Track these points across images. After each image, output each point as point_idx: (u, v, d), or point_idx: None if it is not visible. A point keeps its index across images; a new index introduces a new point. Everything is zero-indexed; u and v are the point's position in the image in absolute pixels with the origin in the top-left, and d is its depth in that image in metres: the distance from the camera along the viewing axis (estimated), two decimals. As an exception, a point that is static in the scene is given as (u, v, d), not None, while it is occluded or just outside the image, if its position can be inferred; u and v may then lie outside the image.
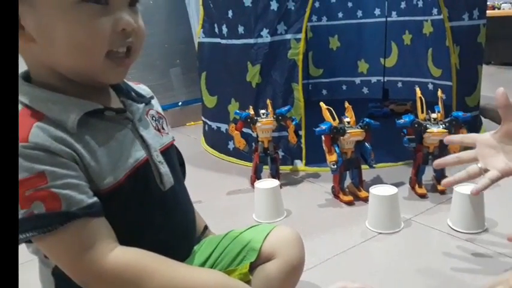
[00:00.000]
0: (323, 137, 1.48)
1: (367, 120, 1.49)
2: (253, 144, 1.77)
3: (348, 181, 1.57)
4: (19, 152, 0.51)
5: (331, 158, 1.45)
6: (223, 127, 2.12)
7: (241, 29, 1.89)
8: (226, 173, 1.94)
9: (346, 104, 1.54)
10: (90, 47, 0.55)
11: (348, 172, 1.54)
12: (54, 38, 0.54)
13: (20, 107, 0.56)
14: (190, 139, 2.51)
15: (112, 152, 0.60)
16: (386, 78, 3.04)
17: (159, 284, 0.57)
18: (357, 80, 3.12)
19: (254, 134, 1.75)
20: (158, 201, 0.66)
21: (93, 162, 0.57)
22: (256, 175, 1.73)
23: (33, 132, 0.53)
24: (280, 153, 1.83)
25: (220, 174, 1.94)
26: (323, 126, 1.46)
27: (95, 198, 0.57)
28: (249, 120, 1.69)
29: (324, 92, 3.14)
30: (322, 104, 1.54)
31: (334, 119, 1.50)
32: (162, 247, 0.61)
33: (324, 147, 1.48)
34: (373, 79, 3.09)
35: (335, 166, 1.44)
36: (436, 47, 2.61)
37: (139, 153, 0.64)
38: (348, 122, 1.49)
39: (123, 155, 0.61)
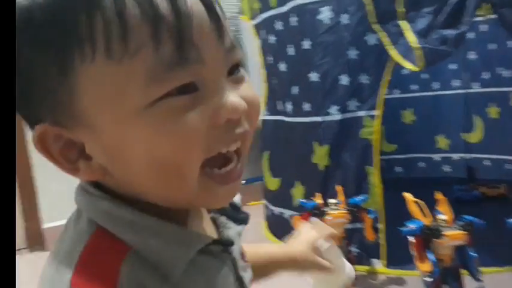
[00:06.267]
0: (411, 239, 1.19)
1: (469, 218, 1.19)
2: (322, 238, 1.50)
3: (444, 294, 1.24)
4: None
5: (424, 267, 1.15)
6: (287, 213, 1.89)
7: (307, 106, 1.74)
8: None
9: (440, 196, 1.26)
10: (178, 161, 0.35)
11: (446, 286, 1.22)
12: (127, 160, 0.36)
13: (91, 227, 0.37)
14: (251, 222, 2.28)
15: None
16: (470, 156, 2.71)
17: None
18: (436, 157, 2.82)
19: (323, 227, 1.49)
20: None
21: None
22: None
23: (123, 281, 0.34)
24: (355, 250, 1.54)
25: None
26: (412, 226, 1.17)
27: None
28: (316, 211, 1.45)
29: (399, 169, 2.87)
30: (407, 195, 1.27)
31: (424, 215, 1.22)
32: None
33: (414, 252, 1.18)
34: (455, 156, 2.78)
35: (431, 279, 1.13)
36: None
37: None
38: (444, 220, 1.19)
39: None
